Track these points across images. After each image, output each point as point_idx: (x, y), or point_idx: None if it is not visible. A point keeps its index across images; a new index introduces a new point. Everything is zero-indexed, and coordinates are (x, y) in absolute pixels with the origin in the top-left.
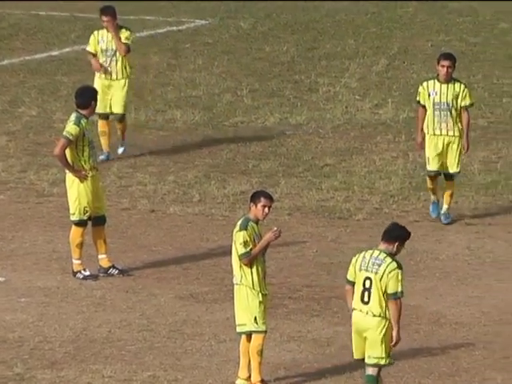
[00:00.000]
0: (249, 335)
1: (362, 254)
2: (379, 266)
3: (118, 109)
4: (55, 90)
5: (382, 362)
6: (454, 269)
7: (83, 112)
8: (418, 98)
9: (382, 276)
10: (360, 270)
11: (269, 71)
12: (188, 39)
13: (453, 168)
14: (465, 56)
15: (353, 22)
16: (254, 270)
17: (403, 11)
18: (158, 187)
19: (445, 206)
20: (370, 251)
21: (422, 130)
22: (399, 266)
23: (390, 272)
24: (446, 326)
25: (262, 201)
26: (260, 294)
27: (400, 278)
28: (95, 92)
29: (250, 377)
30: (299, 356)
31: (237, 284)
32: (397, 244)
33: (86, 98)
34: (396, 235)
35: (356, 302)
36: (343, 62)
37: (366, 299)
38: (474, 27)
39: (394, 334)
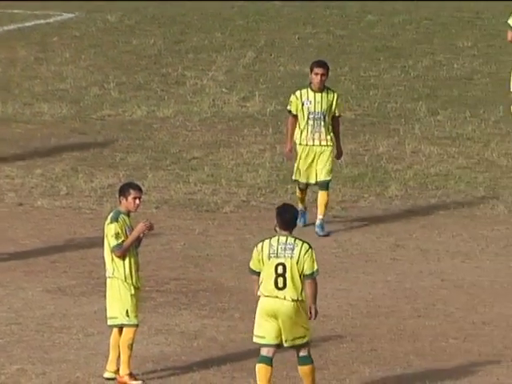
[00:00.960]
0: (120, 328)
1: (266, 243)
2: (292, 250)
3: None
4: None
5: (305, 340)
6: (322, 261)
7: None
8: (289, 108)
9: (299, 259)
10: (269, 258)
11: (136, 64)
12: (55, 32)
13: (325, 176)
14: (332, 48)
15: (220, 16)
16: (127, 262)
17: (270, 4)
18: (26, 180)
19: (319, 217)
20: (275, 238)
21: (292, 139)
22: (311, 246)
23: (305, 254)
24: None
25: (132, 193)
26: (132, 287)
27: (314, 257)
28: None
29: (118, 370)
30: (167, 349)
31: (109, 277)
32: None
33: None
34: (295, 221)
35: (269, 290)
36: (210, 55)
37: (280, 285)
38: (341, 20)
39: (313, 310)
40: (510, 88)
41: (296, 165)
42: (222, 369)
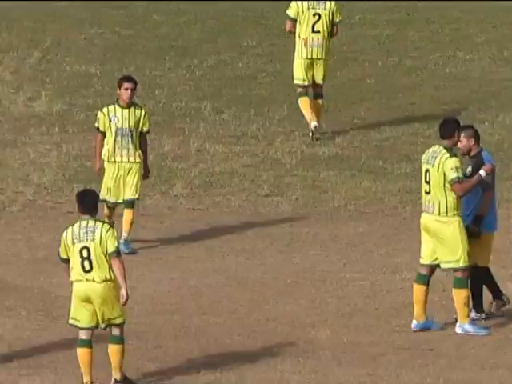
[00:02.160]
0: None
1: (69, 230)
2: (93, 232)
3: None
4: None
5: (120, 320)
6: None
7: None
8: (96, 125)
9: (101, 240)
10: (73, 243)
11: None
12: None
13: (132, 194)
14: (118, 48)
15: (6, 17)
16: None
17: (57, 4)
18: None
19: (124, 235)
20: (77, 224)
21: (101, 156)
22: (112, 226)
23: (106, 233)
24: None
25: None
26: None
27: (115, 235)
28: None
29: None
30: None
31: None
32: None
33: None
34: (95, 205)
35: (77, 274)
36: None
37: (87, 268)
38: (126, 20)
39: (124, 292)
40: (294, 80)
41: (104, 182)
42: (9, 366)
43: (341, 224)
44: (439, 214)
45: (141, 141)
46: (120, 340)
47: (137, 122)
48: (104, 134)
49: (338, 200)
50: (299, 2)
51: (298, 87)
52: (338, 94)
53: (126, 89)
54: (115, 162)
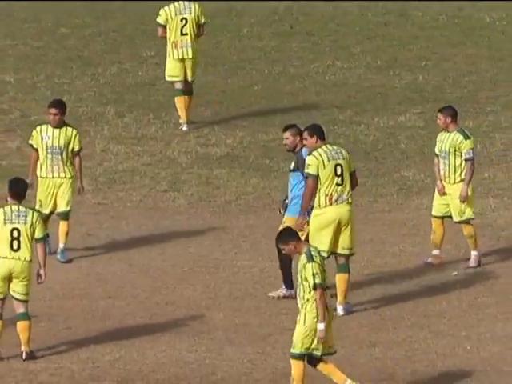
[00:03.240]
0: None
1: (1, 211)
2: (25, 217)
3: None
4: None
5: (27, 297)
6: None
7: None
8: (30, 142)
9: (32, 224)
10: (5, 223)
11: None
12: None
13: (64, 207)
14: (29, 58)
15: None
16: None
17: None
18: None
19: (60, 245)
20: (8, 207)
21: (34, 173)
22: (40, 214)
23: (36, 220)
24: None
25: None
26: None
27: (42, 222)
28: None
29: None
30: None
31: None
32: None
33: None
34: (24, 193)
35: (4, 252)
36: None
37: (15, 247)
38: (36, 32)
39: (43, 272)
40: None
41: (37, 195)
42: None
43: (232, 217)
44: (351, 203)
45: (74, 159)
46: (28, 317)
47: (67, 142)
48: (37, 151)
49: (230, 195)
50: (167, 9)
51: (174, 85)
52: (228, 99)
53: (51, 114)
54: (47, 177)
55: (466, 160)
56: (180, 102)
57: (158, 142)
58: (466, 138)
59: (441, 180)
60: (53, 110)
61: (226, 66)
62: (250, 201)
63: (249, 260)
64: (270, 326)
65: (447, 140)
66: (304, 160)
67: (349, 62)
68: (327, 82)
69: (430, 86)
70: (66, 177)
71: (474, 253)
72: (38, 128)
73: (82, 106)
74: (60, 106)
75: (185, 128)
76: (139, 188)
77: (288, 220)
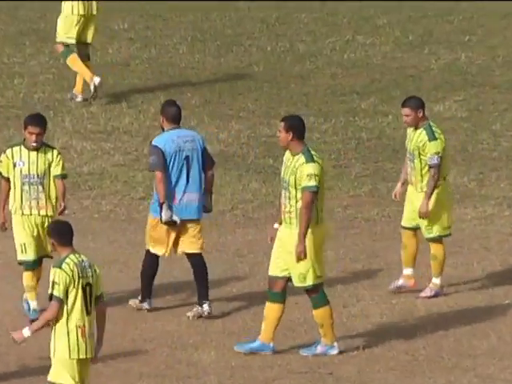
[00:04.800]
0: None
1: None
2: None
3: None
4: None
5: None
6: None
7: None
8: None
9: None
10: None
11: None
12: None
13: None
14: None
15: None
16: None
17: None
18: None
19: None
20: None
21: (5, 207)
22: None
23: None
24: None
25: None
26: None
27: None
28: None
29: None
30: None
31: None
32: None
33: None
34: None
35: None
36: None
37: None
38: None
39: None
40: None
41: (16, 239)
42: None
43: (226, 231)
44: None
45: (57, 187)
46: None
47: (48, 167)
48: (9, 180)
49: (224, 204)
50: None
51: (62, 46)
52: (221, 83)
53: (32, 133)
54: (23, 214)
55: (428, 166)
56: (76, 61)
57: (132, 137)
58: (431, 138)
59: (402, 183)
60: (35, 129)
61: (218, 41)
62: (249, 211)
63: (247, 286)
64: (274, 367)
65: (412, 138)
66: None
67: (373, 36)
68: (345, 61)
69: (475, 66)
70: (46, 215)
71: (434, 280)
72: (9, 151)
73: (37, 92)
74: (44, 122)
75: (98, 80)
76: (109, 195)
77: None
